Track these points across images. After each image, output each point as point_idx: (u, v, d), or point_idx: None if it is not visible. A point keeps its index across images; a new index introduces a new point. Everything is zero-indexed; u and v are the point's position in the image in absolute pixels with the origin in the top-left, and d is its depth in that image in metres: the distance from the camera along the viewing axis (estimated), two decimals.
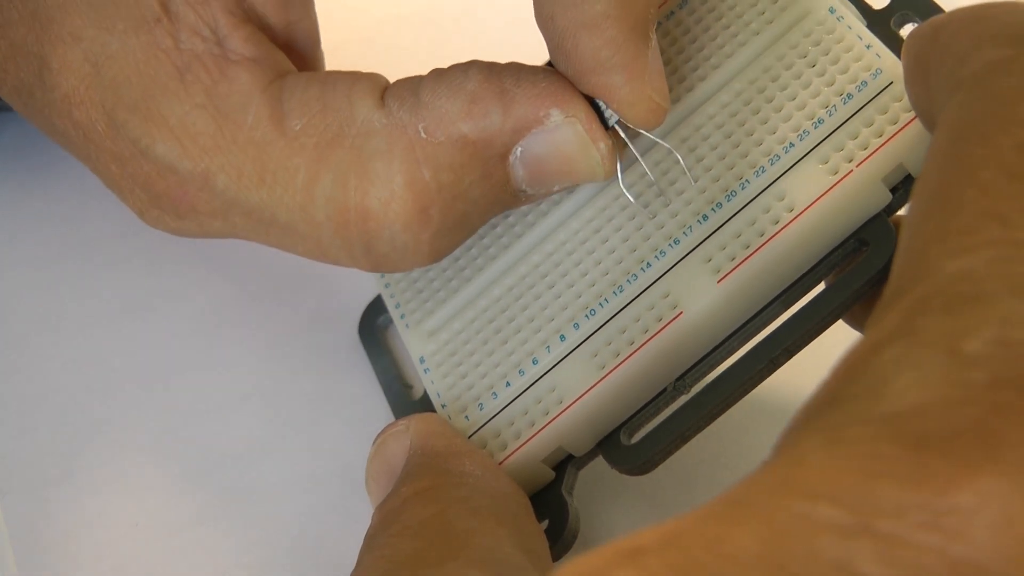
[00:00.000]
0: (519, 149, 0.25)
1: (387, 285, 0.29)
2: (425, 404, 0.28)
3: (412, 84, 0.25)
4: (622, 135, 0.26)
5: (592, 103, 0.25)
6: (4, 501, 0.30)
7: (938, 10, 0.25)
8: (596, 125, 0.25)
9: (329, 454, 0.30)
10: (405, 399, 0.29)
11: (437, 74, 0.25)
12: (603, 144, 0.25)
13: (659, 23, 0.28)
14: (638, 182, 0.26)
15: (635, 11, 0.24)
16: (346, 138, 0.25)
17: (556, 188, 0.26)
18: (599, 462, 0.26)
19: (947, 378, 0.15)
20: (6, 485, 0.31)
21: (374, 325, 0.30)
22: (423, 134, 0.25)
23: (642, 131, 0.25)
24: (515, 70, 0.25)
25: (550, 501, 0.25)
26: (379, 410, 0.30)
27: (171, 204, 0.27)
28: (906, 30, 0.26)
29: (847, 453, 0.15)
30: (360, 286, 0.32)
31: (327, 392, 0.31)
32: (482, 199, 0.26)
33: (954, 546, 0.13)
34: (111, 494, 0.30)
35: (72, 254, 0.35)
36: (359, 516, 0.28)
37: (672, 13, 0.28)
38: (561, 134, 0.25)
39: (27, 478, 0.31)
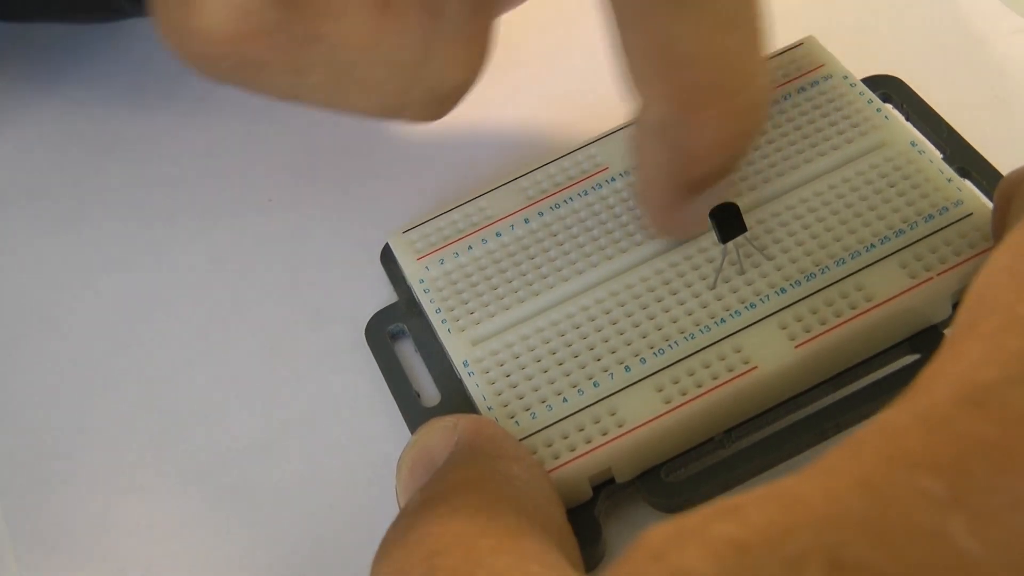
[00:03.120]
0: None
1: (427, 291, 0.29)
2: (440, 411, 0.28)
3: None
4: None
5: None
6: (4, 501, 0.29)
7: (991, 167, 0.29)
8: None
9: (330, 454, 0.29)
10: (418, 407, 0.29)
11: None
12: None
13: None
14: (711, 247, 0.28)
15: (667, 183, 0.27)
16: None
17: None
18: (625, 494, 0.26)
19: None
20: (6, 485, 0.29)
21: (383, 333, 0.30)
22: None
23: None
24: None
25: (583, 520, 0.26)
26: (381, 410, 0.29)
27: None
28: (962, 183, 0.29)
29: (944, 430, 0.16)
30: (361, 286, 0.32)
31: (328, 392, 0.30)
32: None
33: None
34: (111, 494, 0.29)
35: (73, 254, 0.34)
36: (360, 516, 0.28)
37: None
38: None
39: (27, 478, 0.29)
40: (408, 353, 0.30)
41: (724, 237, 0.27)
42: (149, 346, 0.32)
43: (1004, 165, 0.29)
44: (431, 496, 0.24)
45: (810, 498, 0.16)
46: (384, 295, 0.31)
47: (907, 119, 0.31)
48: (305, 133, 0.36)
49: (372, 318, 0.31)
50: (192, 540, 0.28)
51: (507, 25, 0.37)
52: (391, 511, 0.25)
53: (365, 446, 0.29)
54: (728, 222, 0.27)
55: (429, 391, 0.29)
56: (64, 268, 0.34)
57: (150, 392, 0.31)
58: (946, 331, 0.27)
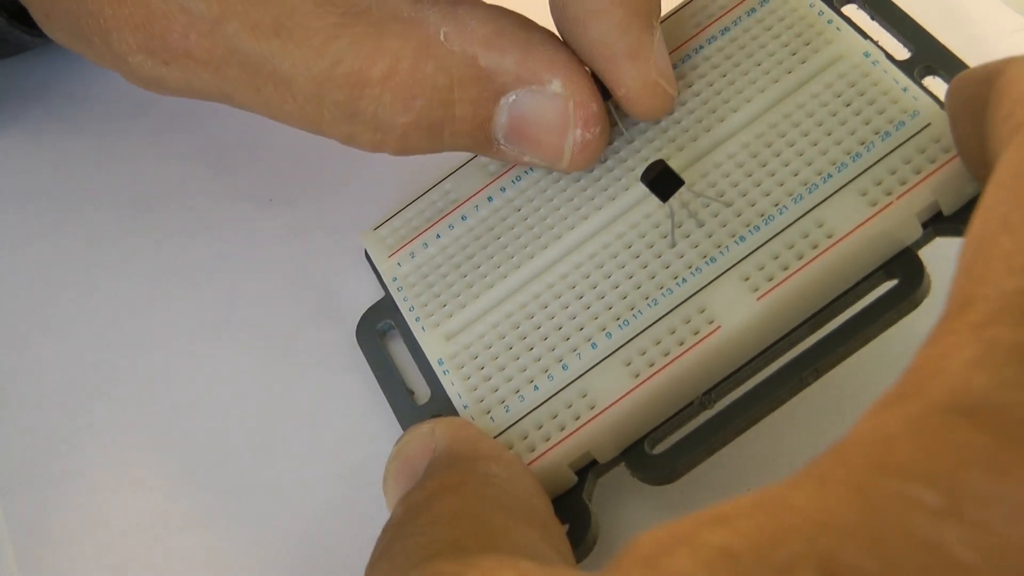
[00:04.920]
0: (513, 96, 0.27)
1: (400, 289, 0.29)
2: (431, 408, 0.28)
3: None
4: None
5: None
6: (4, 501, 0.30)
7: (961, 64, 0.27)
8: (588, 114, 0.27)
9: (329, 454, 0.29)
10: (409, 405, 0.29)
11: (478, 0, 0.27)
12: (582, 132, 0.27)
13: (690, 55, 0.29)
14: (672, 200, 0.27)
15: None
16: (372, 15, 0.27)
17: (526, 158, 0.28)
18: (615, 470, 0.26)
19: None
20: (6, 485, 0.30)
21: (373, 331, 0.30)
22: (442, 37, 0.26)
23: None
24: (547, 34, 0.27)
25: (571, 506, 0.26)
26: (379, 410, 0.30)
27: (165, 48, 0.27)
28: (927, 81, 0.27)
29: (937, 440, 0.15)
30: (359, 286, 0.32)
31: (327, 392, 0.30)
32: (461, 121, 0.27)
33: None
34: (111, 494, 0.30)
35: (72, 254, 0.35)
36: (360, 516, 0.28)
37: (701, 47, 0.29)
38: (551, 102, 0.27)
39: (27, 478, 0.30)
40: (401, 348, 0.30)
41: (664, 196, 0.26)
42: (147, 346, 0.32)
43: None
44: (413, 506, 0.24)
45: (801, 505, 0.15)
46: (377, 291, 0.31)
47: (872, 19, 0.29)
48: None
49: (363, 316, 0.31)
50: (191, 540, 0.29)
51: None
52: (386, 511, 0.25)
53: (365, 444, 0.29)
54: (662, 180, 0.26)
55: (421, 388, 0.29)
56: (63, 268, 0.34)
57: (149, 392, 0.31)
58: (922, 253, 0.25)
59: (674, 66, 0.29)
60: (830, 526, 0.15)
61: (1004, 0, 0.34)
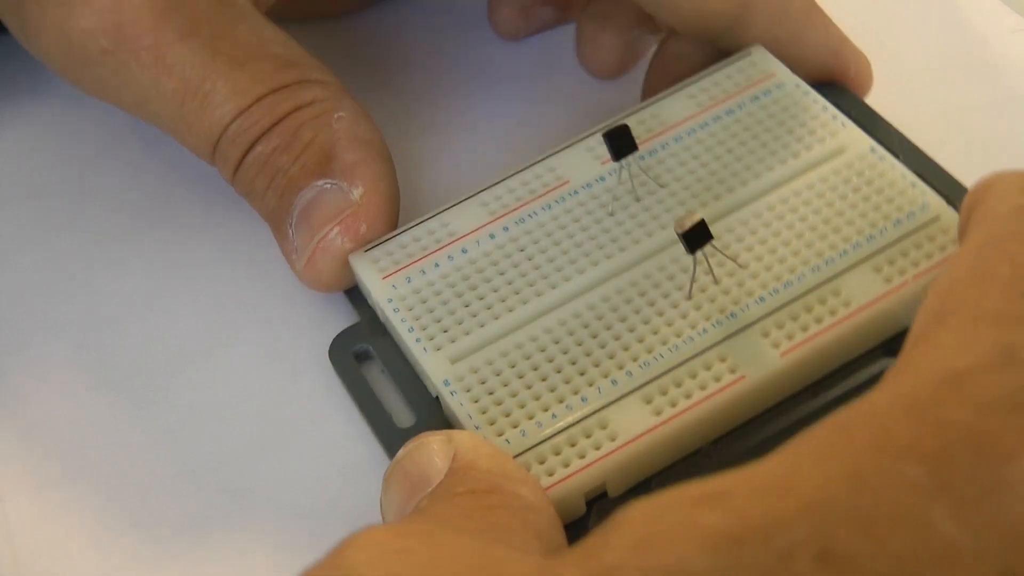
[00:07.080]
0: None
1: (396, 310, 0.29)
2: (414, 433, 0.27)
3: None
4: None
5: None
6: (4, 501, 0.28)
7: (950, 178, 0.29)
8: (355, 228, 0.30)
9: (328, 454, 0.29)
10: (392, 427, 0.28)
11: None
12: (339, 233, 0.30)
13: (695, 129, 0.30)
14: (683, 256, 0.28)
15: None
16: None
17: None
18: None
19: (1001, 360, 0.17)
20: (6, 486, 0.29)
21: (348, 353, 0.29)
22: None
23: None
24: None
25: (576, 539, 0.25)
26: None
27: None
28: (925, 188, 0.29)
29: (926, 418, 0.17)
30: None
31: (327, 392, 0.30)
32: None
33: (1017, 512, 0.15)
34: (111, 494, 0.28)
35: (73, 254, 0.34)
36: (359, 516, 0.27)
37: (706, 124, 0.31)
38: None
39: (27, 478, 0.29)
40: (375, 373, 0.30)
41: (691, 247, 0.27)
42: (147, 346, 0.31)
43: (992, 166, 0.25)
44: (439, 516, 0.23)
45: (801, 489, 0.16)
46: (345, 315, 0.31)
47: (857, 125, 0.31)
48: None
49: (335, 339, 0.30)
50: (191, 540, 0.28)
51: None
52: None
53: (364, 444, 0.29)
54: (693, 231, 0.27)
55: (400, 412, 0.29)
56: (63, 268, 0.34)
57: (148, 393, 0.31)
58: None
59: (679, 138, 0.31)
60: (828, 510, 0.16)
61: (1004, 0, 0.36)
